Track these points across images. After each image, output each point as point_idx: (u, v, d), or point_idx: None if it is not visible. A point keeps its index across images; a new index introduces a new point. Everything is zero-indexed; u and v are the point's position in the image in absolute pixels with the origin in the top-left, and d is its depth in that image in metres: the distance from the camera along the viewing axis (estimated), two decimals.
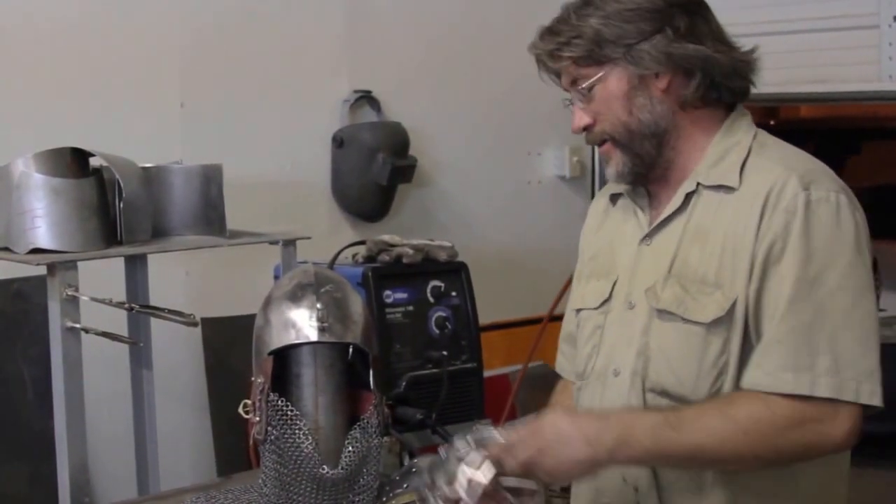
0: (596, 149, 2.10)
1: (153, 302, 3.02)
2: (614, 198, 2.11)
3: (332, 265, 3.05)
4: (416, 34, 4.30)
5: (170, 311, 2.82)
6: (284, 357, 2.12)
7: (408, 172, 4.10)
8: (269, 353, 2.09)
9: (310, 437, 2.04)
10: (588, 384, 2.06)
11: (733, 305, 1.87)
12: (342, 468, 2.04)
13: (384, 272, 3.06)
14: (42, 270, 2.72)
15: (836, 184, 1.89)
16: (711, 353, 1.89)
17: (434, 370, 3.05)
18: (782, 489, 1.91)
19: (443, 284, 3.12)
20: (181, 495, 2.50)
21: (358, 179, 4.05)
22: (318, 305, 2.06)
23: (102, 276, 2.94)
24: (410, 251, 3.12)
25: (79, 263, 2.71)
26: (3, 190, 2.79)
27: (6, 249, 2.81)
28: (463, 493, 1.75)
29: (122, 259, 3.03)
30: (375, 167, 4.01)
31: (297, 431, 2.05)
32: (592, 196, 4.83)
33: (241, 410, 2.12)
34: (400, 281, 3.07)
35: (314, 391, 2.12)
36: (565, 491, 2.17)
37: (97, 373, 3.04)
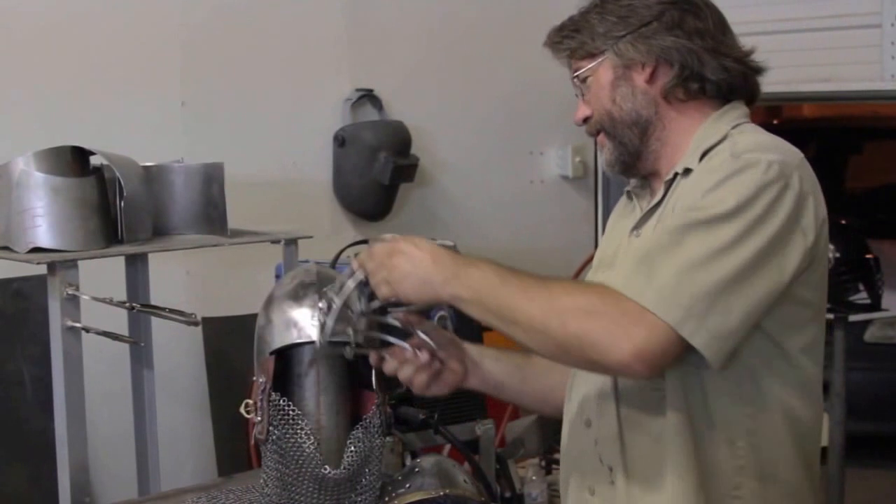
0: (598, 149, 2.17)
1: (154, 301, 3.01)
2: (629, 194, 2.15)
3: (333, 264, 3.04)
4: (418, 33, 4.30)
5: (170, 311, 2.81)
6: (286, 357, 2.12)
7: (410, 171, 4.10)
8: (271, 353, 2.08)
9: (311, 437, 2.04)
10: (577, 371, 2.08)
11: None
12: (344, 468, 2.04)
13: None
14: (42, 269, 2.71)
15: (780, 156, 1.86)
16: None
17: None
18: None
19: None
20: (182, 495, 2.50)
21: (360, 178, 4.04)
22: (321, 305, 2.05)
23: (103, 275, 2.93)
24: None
25: (79, 262, 2.70)
26: (4, 189, 2.78)
27: (6, 248, 2.80)
28: (334, 295, 1.94)
29: (123, 258, 3.02)
30: (377, 166, 4.01)
31: (298, 431, 2.04)
32: (595, 196, 4.84)
33: (242, 410, 2.12)
34: None
35: (316, 391, 2.12)
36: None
37: (98, 372, 3.04)
